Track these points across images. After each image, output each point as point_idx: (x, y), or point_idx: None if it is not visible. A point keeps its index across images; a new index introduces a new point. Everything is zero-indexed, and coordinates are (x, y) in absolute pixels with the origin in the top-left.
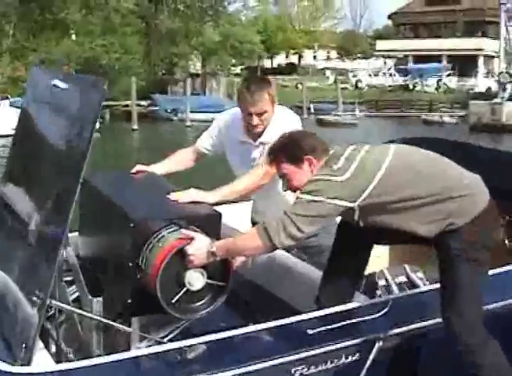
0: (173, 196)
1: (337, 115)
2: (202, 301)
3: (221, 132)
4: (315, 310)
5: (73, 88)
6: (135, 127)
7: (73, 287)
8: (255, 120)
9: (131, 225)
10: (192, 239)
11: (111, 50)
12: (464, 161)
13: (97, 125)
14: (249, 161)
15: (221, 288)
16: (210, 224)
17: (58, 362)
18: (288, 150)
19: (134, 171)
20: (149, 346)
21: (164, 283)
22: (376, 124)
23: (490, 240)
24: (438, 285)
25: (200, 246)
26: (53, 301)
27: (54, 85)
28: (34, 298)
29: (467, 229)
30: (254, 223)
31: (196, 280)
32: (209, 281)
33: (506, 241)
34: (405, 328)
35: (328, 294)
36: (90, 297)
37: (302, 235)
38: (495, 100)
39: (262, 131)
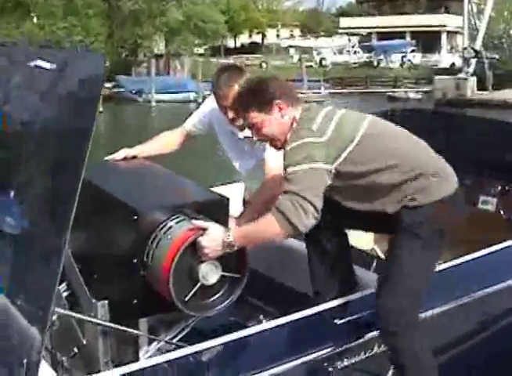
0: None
1: (303, 93)
2: (217, 296)
3: (212, 113)
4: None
5: (62, 68)
6: (100, 109)
7: (63, 284)
8: (230, 114)
9: (134, 217)
10: (204, 229)
11: (73, 32)
12: (451, 131)
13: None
14: (240, 152)
15: (236, 280)
16: (219, 210)
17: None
18: (256, 97)
19: (120, 157)
20: (159, 349)
21: (177, 280)
22: (342, 101)
23: (446, 225)
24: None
25: (214, 236)
26: (56, 309)
27: (36, 66)
28: (35, 310)
29: (426, 209)
30: (245, 203)
31: (210, 273)
32: (224, 274)
33: (502, 212)
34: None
35: (327, 290)
36: (94, 300)
37: (319, 208)
38: (460, 75)
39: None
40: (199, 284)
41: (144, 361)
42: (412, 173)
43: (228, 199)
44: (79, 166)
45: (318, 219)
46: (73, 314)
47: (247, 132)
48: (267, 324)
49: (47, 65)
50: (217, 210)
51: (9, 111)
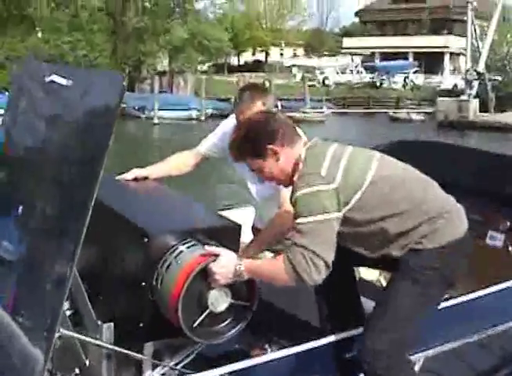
0: None
1: (305, 112)
2: (225, 324)
3: (226, 137)
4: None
5: (80, 85)
6: (111, 144)
7: (67, 303)
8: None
9: (145, 239)
10: (216, 256)
11: (78, 47)
12: (457, 164)
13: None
14: (258, 178)
15: (245, 308)
16: (230, 237)
17: None
18: (249, 145)
19: (131, 177)
20: (163, 375)
21: (186, 306)
22: (344, 121)
23: (455, 273)
24: None
25: (225, 263)
26: (62, 330)
27: (52, 82)
28: (40, 331)
29: (431, 254)
30: (254, 230)
31: (220, 300)
32: (234, 301)
33: (510, 249)
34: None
35: (335, 322)
36: (99, 322)
37: (330, 262)
38: (462, 97)
39: None
40: (208, 311)
41: None
42: (420, 219)
43: (239, 226)
44: (92, 185)
45: (328, 273)
46: (78, 336)
47: None
48: (273, 354)
49: (65, 82)
50: (228, 236)
51: (26, 128)
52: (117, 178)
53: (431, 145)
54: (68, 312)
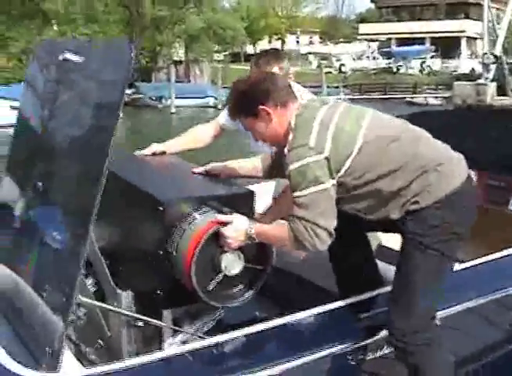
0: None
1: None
2: (239, 287)
3: None
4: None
5: (91, 59)
6: (121, 115)
7: (91, 280)
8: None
9: (161, 208)
10: (227, 223)
11: (94, 39)
12: (479, 129)
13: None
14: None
15: (259, 272)
16: (244, 203)
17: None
18: (241, 103)
19: (149, 152)
20: (184, 341)
21: (199, 270)
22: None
23: (461, 226)
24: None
25: (237, 227)
26: (80, 298)
27: (65, 60)
28: (59, 297)
29: (430, 211)
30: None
31: (233, 263)
32: (247, 265)
33: None
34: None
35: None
36: (119, 291)
37: (332, 230)
38: (480, 81)
39: None
40: (221, 274)
41: (167, 350)
42: (413, 174)
43: (253, 192)
44: (104, 157)
45: (332, 239)
46: (97, 303)
47: None
48: (291, 316)
49: (75, 58)
50: (242, 202)
51: (40, 108)
52: (136, 153)
53: (454, 112)
54: (92, 289)
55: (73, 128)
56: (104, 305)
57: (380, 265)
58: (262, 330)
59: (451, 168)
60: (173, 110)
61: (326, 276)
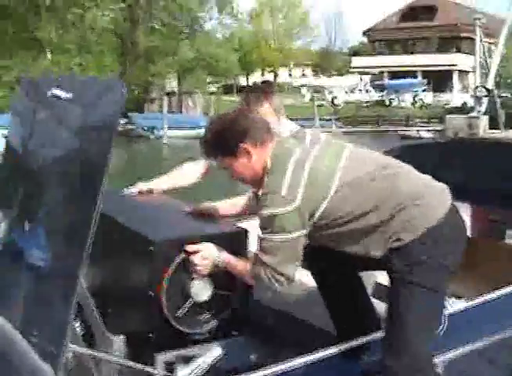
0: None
1: None
2: (209, 313)
3: None
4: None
5: (80, 96)
6: (112, 153)
7: (78, 322)
8: None
9: (151, 248)
10: (197, 251)
11: (88, 69)
12: (472, 162)
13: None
14: None
15: (228, 298)
16: (237, 241)
17: None
18: (220, 142)
19: (135, 190)
20: None
21: (169, 296)
22: (354, 139)
23: (448, 258)
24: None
25: (206, 255)
26: (71, 345)
27: (53, 95)
28: (49, 346)
29: (415, 246)
30: None
31: (202, 290)
32: (216, 291)
33: None
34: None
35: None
36: (110, 336)
37: (292, 277)
38: (472, 114)
39: None
40: (191, 301)
41: None
42: (391, 211)
43: (245, 230)
44: (97, 195)
45: (292, 283)
46: (89, 350)
47: None
48: (287, 363)
49: (64, 94)
50: (234, 241)
51: (27, 142)
52: (122, 192)
53: (446, 144)
54: (80, 330)
55: (63, 166)
56: (95, 352)
57: (378, 304)
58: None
59: (432, 200)
60: (165, 140)
61: (321, 319)
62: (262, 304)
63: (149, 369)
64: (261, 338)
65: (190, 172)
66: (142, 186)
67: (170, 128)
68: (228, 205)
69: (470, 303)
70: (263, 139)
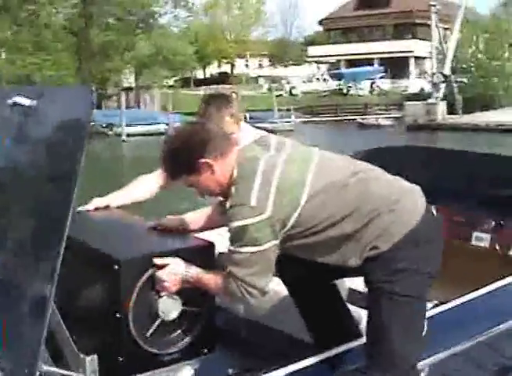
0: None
1: (273, 122)
2: (178, 331)
3: None
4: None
5: (47, 103)
6: (83, 162)
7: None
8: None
9: (116, 266)
10: (163, 266)
11: (44, 67)
12: (443, 167)
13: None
14: None
15: (198, 315)
16: (204, 255)
17: None
18: (179, 162)
19: (92, 207)
20: None
21: (137, 315)
22: (313, 129)
23: (428, 262)
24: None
25: (173, 270)
26: (44, 367)
27: (15, 103)
28: (21, 369)
29: (393, 254)
30: None
31: (170, 308)
32: (185, 308)
33: (497, 248)
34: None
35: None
36: (82, 356)
37: (266, 289)
38: (430, 100)
39: None
40: (159, 320)
41: None
42: (366, 218)
43: (212, 244)
44: (68, 205)
45: (264, 295)
46: (61, 371)
47: None
48: (273, 374)
49: (28, 102)
50: (201, 255)
51: None
52: (78, 209)
53: (411, 149)
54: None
55: (33, 175)
56: (68, 372)
57: (353, 309)
58: None
59: (407, 204)
60: (124, 137)
61: (296, 328)
62: (233, 317)
63: None
64: (234, 354)
65: (147, 185)
66: (97, 202)
67: (128, 124)
68: (196, 217)
69: (444, 307)
70: (223, 150)
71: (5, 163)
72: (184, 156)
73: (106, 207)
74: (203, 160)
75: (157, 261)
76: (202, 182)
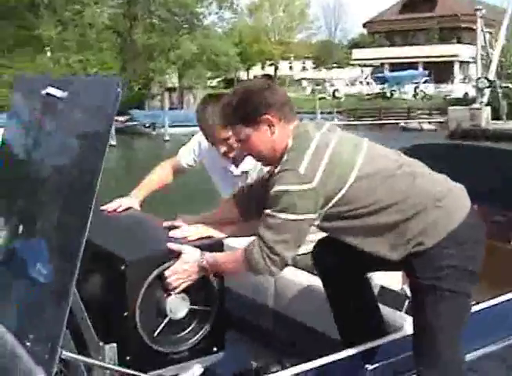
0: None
1: None
2: (186, 330)
3: (202, 150)
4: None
5: (75, 94)
6: (114, 143)
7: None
8: (221, 148)
9: (122, 267)
10: (179, 252)
11: (88, 66)
12: (477, 165)
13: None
14: (234, 188)
15: (206, 313)
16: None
17: None
18: (242, 110)
19: (111, 208)
20: None
21: (145, 315)
22: (355, 132)
23: (473, 261)
24: None
25: (188, 259)
26: (64, 352)
27: (48, 94)
28: (42, 351)
29: (438, 251)
30: None
31: (178, 306)
32: (193, 307)
33: None
34: None
35: (353, 333)
36: (101, 343)
37: (288, 261)
38: (474, 105)
39: (244, 157)
40: (167, 319)
41: None
42: (411, 211)
43: (222, 243)
44: (91, 195)
45: (286, 266)
46: (81, 357)
47: (243, 167)
48: (291, 370)
49: (60, 93)
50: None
51: (22, 141)
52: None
53: (453, 146)
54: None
55: (58, 165)
56: (89, 359)
57: (384, 309)
58: None
59: (453, 201)
60: (167, 137)
61: (324, 323)
62: (241, 316)
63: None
64: (243, 351)
65: (162, 175)
66: (118, 202)
67: (171, 125)
68: (153, 184)
69: (481, 306)
70: (288, 116)
71: (32, 151)
72: (250, 105)
73: (128, 208)
74: (266, 116)
75: (173, 245)
76: (254, 139)
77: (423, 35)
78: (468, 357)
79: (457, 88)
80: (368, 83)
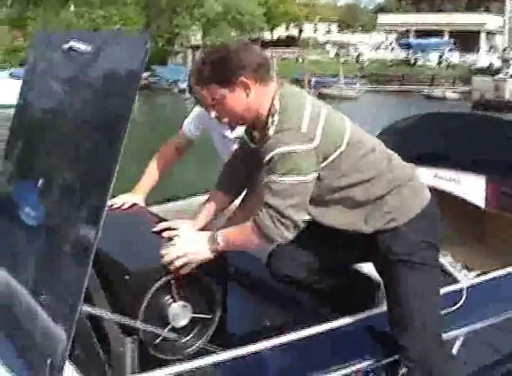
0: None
1: (339, 89)
2: (188, 338)
3: (203, 118)
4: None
5: (100, 48)
6: (135, 111)
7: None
8: (212, 113)
9: (127, 277)
10: (172, 230)
11: (111, 21)
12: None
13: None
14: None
15: (207, 321)
16: (217, 260)
17: None
18: (216, 70)
19: (117, 204)
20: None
21: (147, 322)
22: (378, 98)
23: (438, 235)
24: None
25: (189, 237)
26: (84, 307)
27: (70, 48)
28: (63, 309)
29: (410, 228)
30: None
31: (180, 314)
32: (195, 315)
33: None
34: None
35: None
36: (122, 335)
37: (300, 225)
38: (499, 76)
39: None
40: (169, 327)
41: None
42: (389, 185)
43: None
44: (116, 154)
45: (299, 230)
46: (103, 314)
47: (237, 132)
48: (288, 336)
49: (83, 47)
50: (217, 259)
51: (43, 96)
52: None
53: (462, 116)
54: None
55: (81, 119)
56: (111, 315)
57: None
58: (259, 351)
59: (420, 182)
60: (188, 95)
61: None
62: (243, 323)
63: (171, 335)
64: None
65: (168, 156)
66: (122, 199)
67: None
68: (161, 167)
69: (487, 276)
70: (265, 78)
71: (56, 106)
72: (224, 66)
73: (133, 205)
74: (241, 78)
75: (162, 224)
76: (230, 101)
77: (450, 3)
78: (471, 327)
79: (482, 58)
80: (392, 49)
